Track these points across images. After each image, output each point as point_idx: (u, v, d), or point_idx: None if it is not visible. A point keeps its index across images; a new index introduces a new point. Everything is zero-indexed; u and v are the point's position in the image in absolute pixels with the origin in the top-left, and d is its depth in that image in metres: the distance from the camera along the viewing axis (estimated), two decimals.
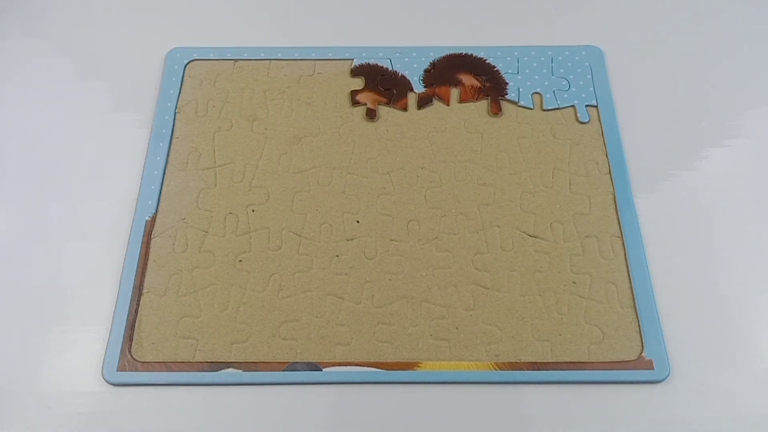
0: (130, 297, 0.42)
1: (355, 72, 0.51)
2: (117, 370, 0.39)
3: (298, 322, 0.41)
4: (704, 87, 0.51)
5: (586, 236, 0.44)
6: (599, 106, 0.50)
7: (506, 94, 0.50)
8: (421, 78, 0.51)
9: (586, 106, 0.50)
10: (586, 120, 0.49)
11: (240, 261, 0.43)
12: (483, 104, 0.50)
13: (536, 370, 0.39)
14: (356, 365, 0.40)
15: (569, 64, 0.52)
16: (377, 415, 0.39)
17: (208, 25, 0.55)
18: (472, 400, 0.39)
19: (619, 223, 0.44)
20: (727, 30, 0.55)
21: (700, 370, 0.40)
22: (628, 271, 0.43)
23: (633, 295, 0.42)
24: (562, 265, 0.43)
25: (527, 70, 0.51)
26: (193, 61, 0.52)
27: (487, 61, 0.52)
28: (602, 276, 0.42)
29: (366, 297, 0.42)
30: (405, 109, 0.50)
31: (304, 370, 0.39)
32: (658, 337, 0.40)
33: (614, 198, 0.45)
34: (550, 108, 0.50)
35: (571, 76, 0.51)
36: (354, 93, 0.50)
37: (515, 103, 0.50)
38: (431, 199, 0.46)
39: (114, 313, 0.41)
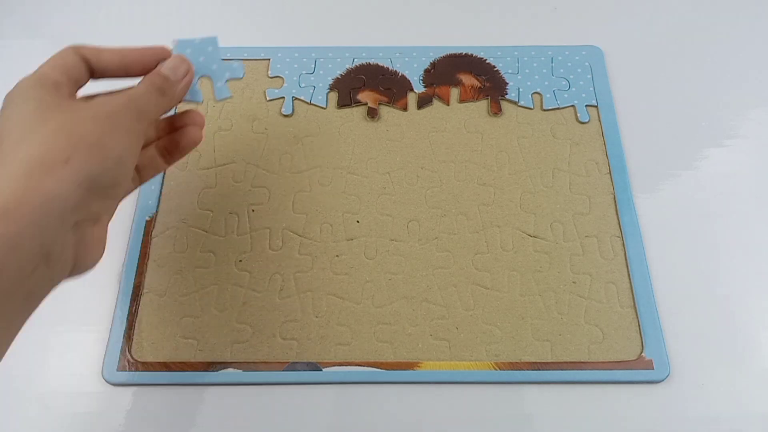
0: (130, 297, 0.42)
1: (355, 72, 0.51)
2: (117, 370, 0.39)
3: (298, 322, 0.41)
4: (704, 87, 0.51)
5: (586, 236, 0.44)
6: (599, 106, 0.50)
7: (506, 94, 0.50)
8: (421, 78, 0.51)
9: (586, 106, 0.50)
10: (586, 120, 0.49)
11: (240, 261, 0.43)
12: (483, 104, 0.50)
13: (536, 370, 0.39)
14: (356, 365, 0.40)
15: (569, 64, 0.52)
16: (377, 415, 0.39)
17: (208, 25, 0.55)
18: (472, 400, 0.39)
19: (619, 223, 0.44)
20: (728, 30, 0.55)
21: (700, 370, 0.40)
22: (628, 271, 0.43)
23: (633, 295, 0.42)
24: (562, 265, 0.43)
25: (527, 70, 0.51)
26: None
27: (487, 61, 0.52)
28: (602, 276, 0.42)
29: (366, 297, 0.42)
30: (405, 109, 0.50)
31: (304, 370, 0.39)
32: (658, 337, 0.40)
33: (614, 198, 0.45)
34: (550, 108, 0.50)
35: (571, 76, 0.51)
36: (354, 92, 0.50)
37: (515, 103, 0.50)
38: (431, 199, 0.46)
39: (114, 313, 0.41)
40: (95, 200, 0.30)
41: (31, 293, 0.28)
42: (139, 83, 0.35)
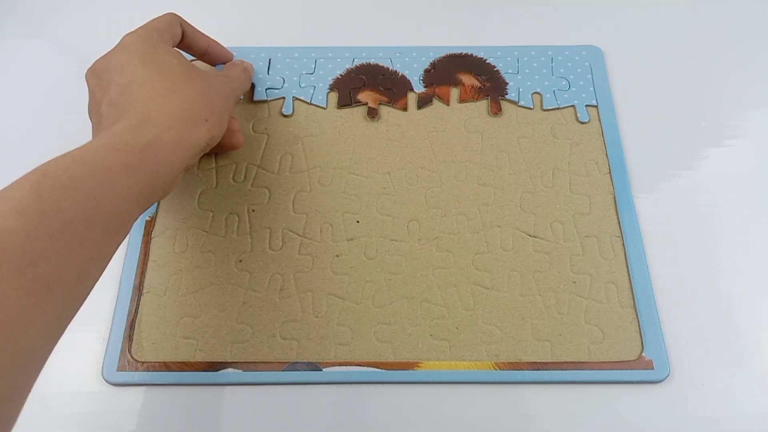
0: (130, 297, 0.42)
1: (355, 72, 0.51)
2: (117, 370, 0.39)
3: (298, 322, 0.41)
4: (704, 87, 0.51)
5: (586, 236, 0.44)
6: (599, 106, 0.50)
7: (506, 94, 0.50)
8: (421, 78, 0.51)
9: (586, 106, 0.50)
10: (586, 120, 0.49)
11: (240, 261, 0.43)
12: (483, 104, 0.50)
13: (536, 370, 0.39)
14: (356, 365, 0.40)
15: (569, 64, 0.52)
16: (377, 415, 0.39)
17: (208, 25, 0.55)
18: (472, 400, 0.39)
19: (619, 223, 0.44)
20: (728, 30, 0.55)
21: (700, 370, 0.40)
22: (628, 271, 0.43)
23: (633, 295, 0.42)
24: (562, 265, 0.43)
25: (527, 70, 0.51)
26: (193, 61, 0.52)
27: (487, 61, 0.52)
28: (602, 276, 0.42)
29: (366, 297, 0.42)
30: (405, 109, 0.50)
31: (304, 370, 0.39)
32: (658, 337, 0.40)
33: (614, 198, 0.45)
34: (550, 108, 0.50)
35: (571, 76, 0.51)
36: (354, 92, 0.50)
37: (515, 103, 0.50)
38: (431, 199, 0.46)
39: (114, 313, 0.41)
40: (200, 153, 0.39)
41: (141, 213, 0.35)
42: (232, 74, 0.45)
